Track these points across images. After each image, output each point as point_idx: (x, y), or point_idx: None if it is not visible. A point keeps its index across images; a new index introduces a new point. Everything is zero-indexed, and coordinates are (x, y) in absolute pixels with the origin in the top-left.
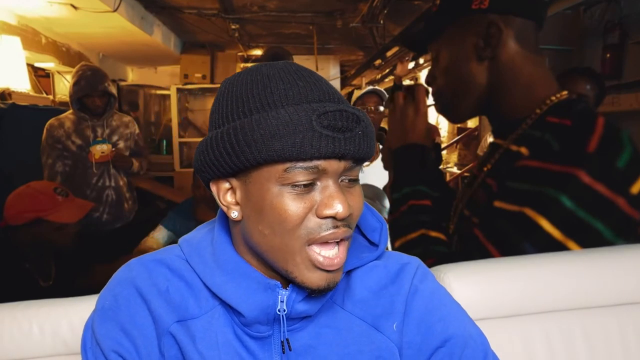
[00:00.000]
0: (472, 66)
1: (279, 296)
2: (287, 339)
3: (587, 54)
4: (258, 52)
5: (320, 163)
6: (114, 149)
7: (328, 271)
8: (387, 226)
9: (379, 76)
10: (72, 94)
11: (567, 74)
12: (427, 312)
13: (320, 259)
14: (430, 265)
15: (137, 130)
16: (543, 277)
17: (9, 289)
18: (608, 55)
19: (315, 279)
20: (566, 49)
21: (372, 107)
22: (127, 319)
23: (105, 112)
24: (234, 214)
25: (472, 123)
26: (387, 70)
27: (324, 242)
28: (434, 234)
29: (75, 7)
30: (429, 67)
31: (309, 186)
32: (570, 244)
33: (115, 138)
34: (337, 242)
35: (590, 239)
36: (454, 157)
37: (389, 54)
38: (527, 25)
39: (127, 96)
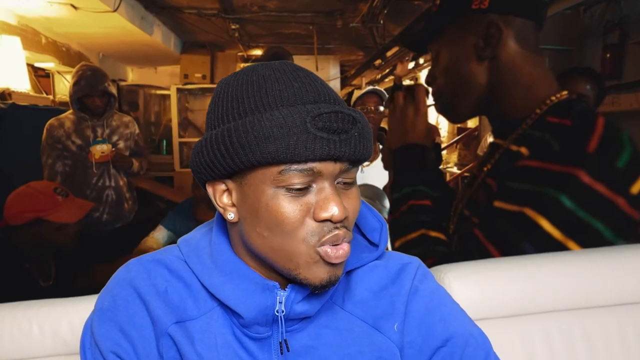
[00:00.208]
0: (472, 66)
1: (277, 297)
2: (285, 340)
3: (587, 54)
4: (258, 52)
5: (315, 165)
6: (114, 149)
7: (332, 265)
8: (387, 226)
9: (379, 76)
10: (72, 94)
11: (567, 74)
12: (427, 312)
13: (328, 250)
14: (430, 265)
15: (137, 130)
16: (543, 277)
17: (9, 289)
18: (608, 55)
19: (319, 273)
20: (566, 49)
21: (372, 107)
22: (126, 319)
23: (105, 112)
24: (230, 215)
25: (472, 123)
26: (387, 70)
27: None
28: (434, 234)
29: (75, 7)
30: (429, 67)
31: (304, 189)
32: (570, 244)
33: (115, 138)
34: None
35: (590, 239)
36: (454, 157)
37: (389, 54)
38: (527, 25)
39: (127, 96)
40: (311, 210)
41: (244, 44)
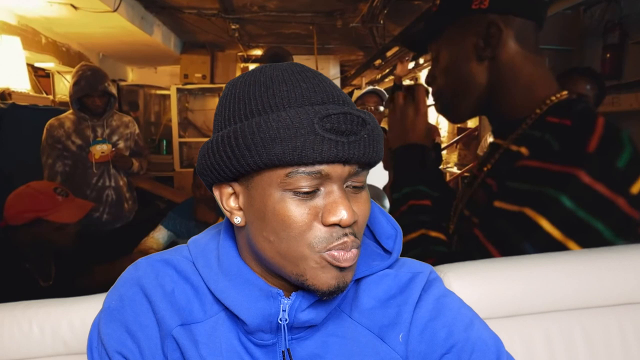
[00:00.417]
0: (472, 66)
1: (281, 305)
2: (288, 349)
3: (587, 54)
4: (258, 52)
5: (323, 168)
6: (114, 149)
7: (341, 269)
8: (402, 233)
9: (379, 76)
10: (72, 94)
11: (567, 74)
12: (430, 319)
13: (335, 253)
14: None
15: (137, 130)
16: (543, 277)
17: (9, 289)
18: (608, 55)
19: (327, 278)
20: (566, 49)
21: (372, 107)
22: (132, 319)
23: (105, 112)
24: (237, 219)
25: (472, 123)
26: (387, 70)
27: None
28: (434, 234)
29: (75, 7)
30: (429, 67)
31: (312, 193)
32: (570, 244)
33: (115, 138)
34: None
35: (590, 239)
36: (454, 157)
37: (389, 54)
38: (527, 25)
39: (127, 96)
40: (319, 214)
41: (244, 44)
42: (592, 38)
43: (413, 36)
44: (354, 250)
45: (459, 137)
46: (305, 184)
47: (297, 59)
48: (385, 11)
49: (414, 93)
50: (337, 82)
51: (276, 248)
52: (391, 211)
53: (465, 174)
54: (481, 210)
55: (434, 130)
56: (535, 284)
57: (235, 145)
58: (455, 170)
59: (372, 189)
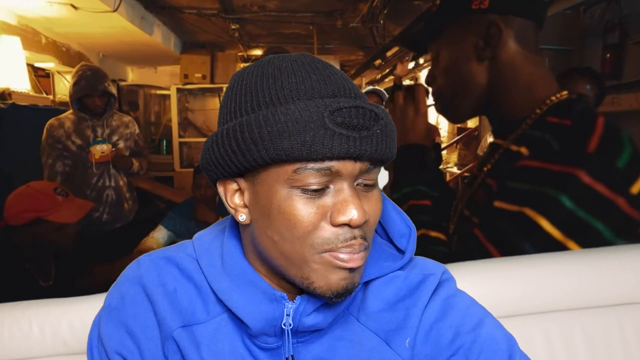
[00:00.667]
0: (472, 66)
1: (285, 309)
2: (292, 356)
3: (587, 54)
4: (258, 52)
5: (334, 164)
6: (114, 149)
7: (349, 270)
8: (416, 232)
9: (379, 76)
10: (72, 94)
11: (567, 74)
12: (436, 321)
13: (341, 255)
14: None
15: (137, 130)
16: (543, 277)
17: (9, 289)
18: (608, 55)
19: (335, 279)
20: (566, 49)
21: None
22: (132, 320)
23: (105, 112)
24: (242, 217)
25: (472, 123)
26: (387, 70)
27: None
28: (434, 234)
29: (75, 7)
30: (429, 67)
31: (321, 190)
32: (570, 244)
33: (115, 138)
34: None
35: (590, 239)
36: (454, 157)
37: (389, 54)
38: (527, 25)
39: (127, 96)
40: (327, 213)
41: (244, 44)
42: (592, 38)
43: (413, 36)
44: (362, 253)
45: (459, 137)
46: (314, 181)
47: None
48: (385, 11)
49: (414, 93)
50: None
51: (280, 248)
52: None
53: (465, 174)
54: (481, 210)
55: (434, 130)
56: (535, 284)
57: (241, 139)
58: (455, 170)
59: None
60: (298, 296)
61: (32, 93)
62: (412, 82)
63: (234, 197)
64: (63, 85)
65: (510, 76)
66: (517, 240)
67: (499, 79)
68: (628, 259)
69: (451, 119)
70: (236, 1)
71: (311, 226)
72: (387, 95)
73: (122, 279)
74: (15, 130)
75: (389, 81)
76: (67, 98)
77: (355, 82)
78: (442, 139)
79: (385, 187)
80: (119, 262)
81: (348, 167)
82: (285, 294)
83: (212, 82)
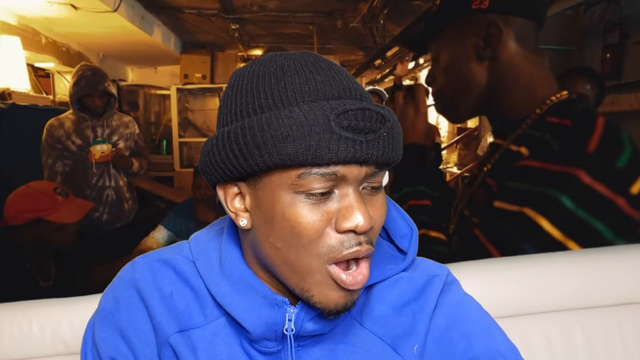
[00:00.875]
0: (472, 66)
1: (287, 314)
2: None
3: (587, 54)
4: (258, 52)
5: (339, 169)
6: (114, 149)
7: (349, 290)
8: (417, 232)
9: (379, 76)
10: (72, 94)
11: (567, 74)
12: (448, 328)
13: (343, 276)
14: None
15: (137, 130)
16: (543, 277)
17: (9, 289)
18: (608, 55)
19: (334, 297)
20: (566, 49)
21: None
22: (127, 324)
23: (105, 112)
24: (243, 222)
25: (472, 123)
26: (387, 70)
27: (346, 261)
28: (434, 234)
29: (75, 7)
30: (429, 67)
31: (326, 195)
32: (570, 244)
33: (115, 138)
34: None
35: (590, 239)
36: (454, 157)
37: (389, 54)
38: (527, 25)
39: (127, 96)
40: (332, 219)
41: (244, 44)
42: (592, 38)
43: (413, 36)
44: (365, 271)
45: (459, 137)
46: (318, 186)
47: None
48: (385, 11)
49: (414, 93)
50: None
51: (283, 256)
52: None
53: (465, 174)
54: (481, 210)
55: (434, 130)
56: (535, 284)
57: (243, 142)
58: (455, 170)
59: None
60: (300, 301)
61: (32, 93)
62: (412, 82)
63: (235, 201)
64: (63, 85)
65: (510, 76)
66: (517, 240)
67: (499, 79)
68: (628, 259)
69: (451, 119)
70: (236, 1)
71: (316, 233)
72: (387, 95)
73: (116, 281)
74: (15, 130)
75: (389, 81)
76: (67, 98)
77: None
78: (442, 139)
79: (385, 187)
80: (119, 262)
81: (354, 171)
82: (287, 299)
83: (212, 82)
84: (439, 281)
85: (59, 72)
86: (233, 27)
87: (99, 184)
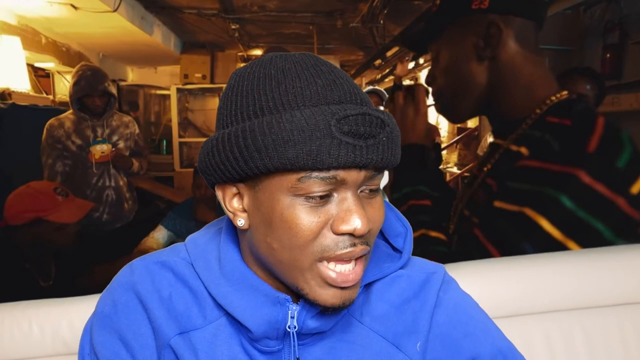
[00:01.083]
0: (472, 66)
1: (289, 311)
2: (297, 359)
3: (587, 54)
4: (258, 52)
5: (339, 173)
6: (114, 149)
7: (342, 288)
8: (412, 231)
9: (379, 76)
10: (72, 94)
11: (567, 74)
12: (451, 327)
13: (333, 275)
14: None
15: (137, 130)
16: (543, 277)
17: (9, 289)
18: (608, 55)
19: (327, 296)
20: (566, 49)
21: None
22: (126, 328)
23: (105, 112)
24: (241, 222)
25: (472, 123)
26: (387, 70)
27: (339, 259)
28: (434, 234)
29: (75, 7)
30: (429, 67)
31: (325, 198)
32: (570, 244)
33: (115, 138)
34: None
35: (590, 239)
36: (454, 157)
37: (389, 54)
38: (527, 25)
39: (127, 96)
40: (330, 222)
41: (244, 44)
42: (592, 38)
43: (413, 36)
44: (358, 270)
45: (459, 137)
46: (318, 189)
47: None
48: (385, 11)
49: (414, 93)
50: None
51: (278, 257)
52: None
53: (465, 174)
54: (481, 210)
55: (434, 130)
56: (535, 284)
57: (243, 145)
58: (455, 170)
59: None
60: (301, 299)
61: (32, 93)
62: (412, 82)
63: (233, 201)
64: (63, 85)
65: (510, 76)
66: (517, 240)
67: (499, 79)
68: (628, 259)
69: (451, 119)
70: (236, 1)
71: (312, 235)
72: (387, 95)
73: (114, 284)
74: (15, 130)
75: (389, 81)
76: (67, 98)
77: (355, 82)
78: (442, 139)
79: (385, 187)
80: (119, 262)
81: (353, 175)
82: (289, 296)
83: (212, 82)
84: (437, 278)
85: (59, 72)
86: (233, 27)
87: (99, 184)
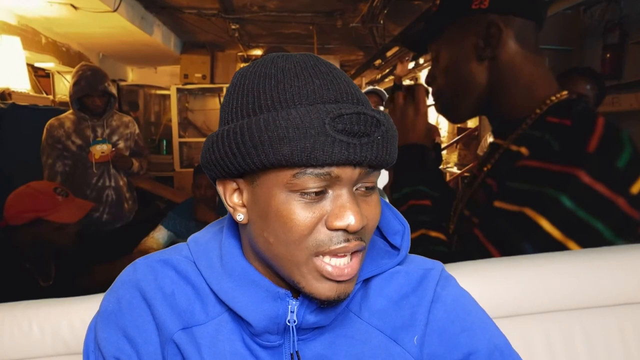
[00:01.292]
0: (472, 66)
1: (289, 306)
2: (297, 352)
3: (587, 54)
4: (258, 52)
5: (333, 169)
6: (114, 149)
7: (338, 282)
8: (409, 229)
9: (379, 76)
10: (72, 94)
11: (567, 74)
12: (449, 322)
13: (329, 268)
14: None
15: (137, 130)
16: (543, 277)
17: (9, 289)
18: (608, 55)
19: (324, 289)
20: (566, 49)
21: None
22: (130, 324)
23: (105, 112)
24: (240, 216)
25: (472, 123)
26: (387, 70)
27: (334, 254)
28: (434, 234)
29: (75, 7)
30: (429, 67)
31: (320, 194)
32: (570, 244)
33: (115, 138)
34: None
35: (590, 239)
36: (454, 157)
37: (389, 54)
38: (527, 25)
39: (127, 96)
40: (324, 217)
41: (244, 44)
42: (592, 38)
43: (413, 36)
44: (354, 264)
45: (459, 137)
46: (312, 185)
47: None
48: (385, 11)
49: (414, 93)
50: None
51: (275, 251)
52: None
53: (465, 174)
54: (481, 210)
55: (434, 130)
56: (535, 284)
57: (241, 142)
58: (455, 170)
59: None
60: (301, 294)
61: (32, 93)
62: (412, 82)
63: (233, 197)
64: (63, 85)
65: (510, 76)
66: (517, 240)
67: (499, 79)
68: (628, 259)
69: (451, 119)
70: (236, 1)
71: (307, 230)
72: (387, 95)
73: (117, 283)
74: (15, 130)
75: (389, 81)
76: (67, 98)
77: (355, 82)
78: (442, 139)
79: (385, 187)
80: (119, 262)
81: (347, 172)
82: (289, 291)
83: (212, 82)
84: (434, 274)
85: (59, 72)
86: (233, 27)
87: (99, 184)
